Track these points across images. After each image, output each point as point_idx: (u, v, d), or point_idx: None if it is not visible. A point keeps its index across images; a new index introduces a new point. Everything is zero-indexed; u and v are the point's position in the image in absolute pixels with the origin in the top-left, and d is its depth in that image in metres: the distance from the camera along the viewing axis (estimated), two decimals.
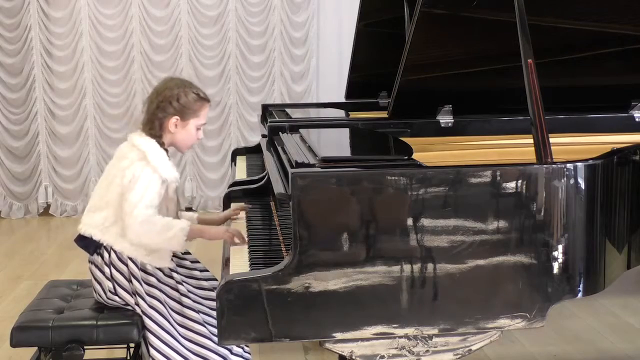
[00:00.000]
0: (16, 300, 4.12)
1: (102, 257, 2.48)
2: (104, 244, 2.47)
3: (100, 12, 6.09)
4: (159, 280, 2.48)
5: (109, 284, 2.48)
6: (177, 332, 2.44)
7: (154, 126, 2.47)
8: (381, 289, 1.96)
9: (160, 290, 2.47)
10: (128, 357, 2.66)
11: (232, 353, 2.51)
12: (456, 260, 1.98)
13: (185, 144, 2.55)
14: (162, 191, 2.44)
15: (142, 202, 2.36)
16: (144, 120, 2.51)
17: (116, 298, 2.48)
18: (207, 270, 2.70)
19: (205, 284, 2.63)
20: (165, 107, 2.46)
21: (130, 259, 2.46)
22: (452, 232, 1.97)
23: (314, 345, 3.38)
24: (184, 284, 2.54)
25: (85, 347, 2.41)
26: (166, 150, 2.51)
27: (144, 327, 2.43)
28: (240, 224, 2.72)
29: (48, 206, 6.30)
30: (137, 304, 2.45)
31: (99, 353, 2.77)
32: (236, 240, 2.43)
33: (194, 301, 2.52)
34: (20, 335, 2.40)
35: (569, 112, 2.92)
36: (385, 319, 1.97)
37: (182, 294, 2.50)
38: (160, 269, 2.49)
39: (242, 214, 2.82)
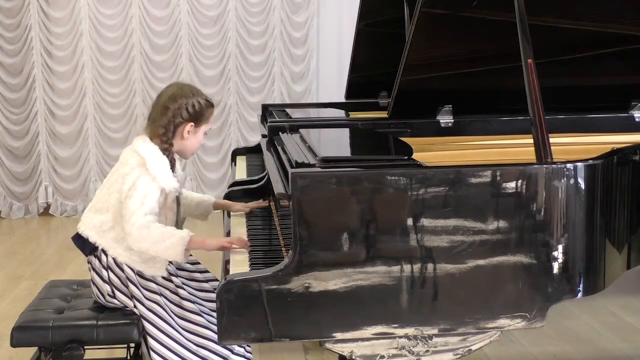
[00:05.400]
0: (16, 300, 4.12)
1: (100, 260, 2.48)
2: (100, 248, 2.47)
3: (100, 12, 6.09)
4: (157, 285, 2.47)
5: (107, 287, 2.47)
6: (181, 335, 2.43)
7: (167, 132, 2.47)
8: (381, 289, 1.96)
9: (160, 294, 2.46)
10: (128, 357, 2.65)
11: (233, 353, 2.51)
12: (456, 260, 1.98)
13: (192, 150, 2.58)
14: (161, 199, 2.44)
15: (141, 209, 2.36)
16: (157, 126, 2.48)
17: (115, 301, 2.48)
18: (208, 272, 2.69)
19: (206, 285, 2.62)
20: (181, 113, 2.47)
21: (127, 264, 2.45)
22: (452, 232, 1.97)
23: (314, 345, 3.38)
24: (184, 287, 2.53)
25: (85, 347, 2.40)
26: (170, 156, 2.50)
27: (144, 329, 2.43)
28: (240, 224, 2.72)
29: (48, 206, 6.30)
30: (135, 307, 2.45)
31: (99, 353, 2.77)
32: (237, 246, 2.38)
33: (195, 303, 2.52)
34: (20, 335, 2.40)
35: (569, 112, 2.92)
36: (385, 319, 1.97)
37: (182, 298, 2.49)
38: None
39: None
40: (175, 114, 2.47)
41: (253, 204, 2.85)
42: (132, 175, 2.39)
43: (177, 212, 2.58)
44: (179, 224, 2.60)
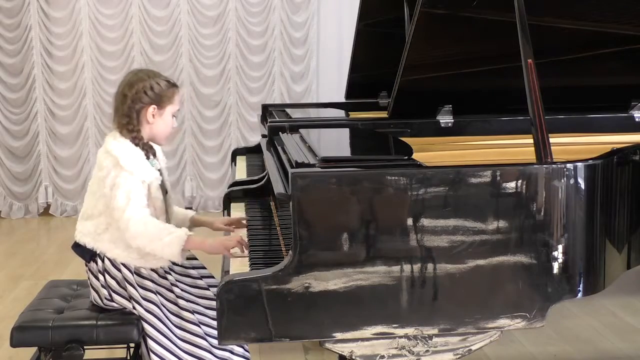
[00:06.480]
0: (16, 300, 4.12)
1: (97, 264, 2.47)
2: (98, 252, 2.46)
3: (100, 12, 6.09)
4: (154, 283, 2.46)
5: (104, 292, 2.46)
6: (175, 334, 2.42)
7: (131, 120, 2.46)
8: (381, 289, 1.96)
9: (157, 293, 2.45)
10: (128, 357, 2.65)
11: (233, 354, 2.50)
12: (456, 260, 1.98)
13: (164, 134, 2.53)
14: (145, 191, 2.42)
15: (131, 204, 2.34)
16: (120, 116, 2.48)
17: (113, 304, 2.47)
18: (204, 268, 2.66)
19: (200, 282, 2.59)
20: (141, 97, 2.45)
21: (124, 265, 2.44)
22: (452, 232, 1.97)
23: (314, 345, 3.37)
24: (178, 284, 2.51)
25: (85, 347, 2.40)
26: (145, 146, 2.47)
27: (144, 330, 2.42)
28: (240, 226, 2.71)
29: (48, 206, 6.30)
30: (134, 309, 2.44)
31: (99, 353, 2.77)
32: (238, 251, 2.35)
33: (189, 301, 2.50)
34: (20, 335, 2.40)
35: (569, 112, 2.92)
36: (385, 319, 1.98)
37: (177, 296, 2.48)
38: (154, 270, 2.47)
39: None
40: (134, 99, 2.45)
41: (234, 220, 2.71)
42: (110, 177, 2.38)
43: (165, 200, 2.54)
44: (169, 214, 2.57)
